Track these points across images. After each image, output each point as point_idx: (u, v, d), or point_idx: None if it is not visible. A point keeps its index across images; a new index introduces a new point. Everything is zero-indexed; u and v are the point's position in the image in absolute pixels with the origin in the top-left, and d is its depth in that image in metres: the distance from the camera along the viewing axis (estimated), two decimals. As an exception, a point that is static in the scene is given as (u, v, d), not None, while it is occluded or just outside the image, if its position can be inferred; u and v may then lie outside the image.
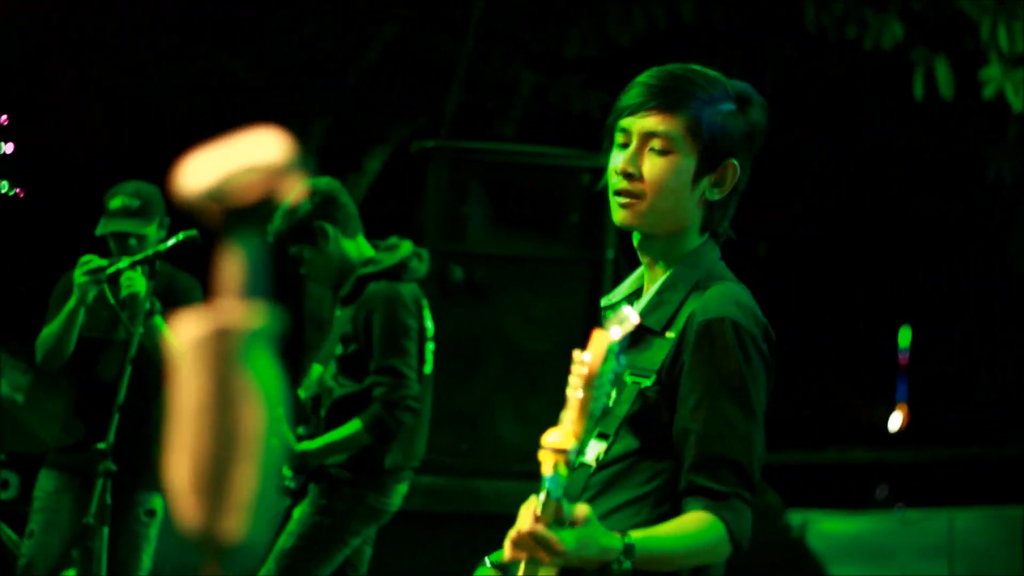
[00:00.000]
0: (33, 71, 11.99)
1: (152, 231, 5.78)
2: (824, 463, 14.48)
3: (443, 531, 6.56)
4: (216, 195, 1.24)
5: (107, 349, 5.82)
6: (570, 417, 2.48)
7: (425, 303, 5.60)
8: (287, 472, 5.52)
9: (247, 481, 1.21)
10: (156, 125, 11.56)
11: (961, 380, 18.76)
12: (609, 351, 2.43)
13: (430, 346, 5.59)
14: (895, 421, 19.48)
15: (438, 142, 7.28)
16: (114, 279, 5.62)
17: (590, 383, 2.45)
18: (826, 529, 9.97)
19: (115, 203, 5.77)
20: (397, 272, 5.49)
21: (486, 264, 6.99)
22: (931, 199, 15.73)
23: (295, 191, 1.26)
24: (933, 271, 17.95)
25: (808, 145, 14.69)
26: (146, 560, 5.82)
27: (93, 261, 5.63)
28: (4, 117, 14.43)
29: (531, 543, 2.51)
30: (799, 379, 18.91)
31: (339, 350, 5.49)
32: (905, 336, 19.73)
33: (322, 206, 5.49)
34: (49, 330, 5.75)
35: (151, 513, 5.79)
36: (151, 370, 5.56)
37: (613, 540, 2.57)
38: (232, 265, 1.25)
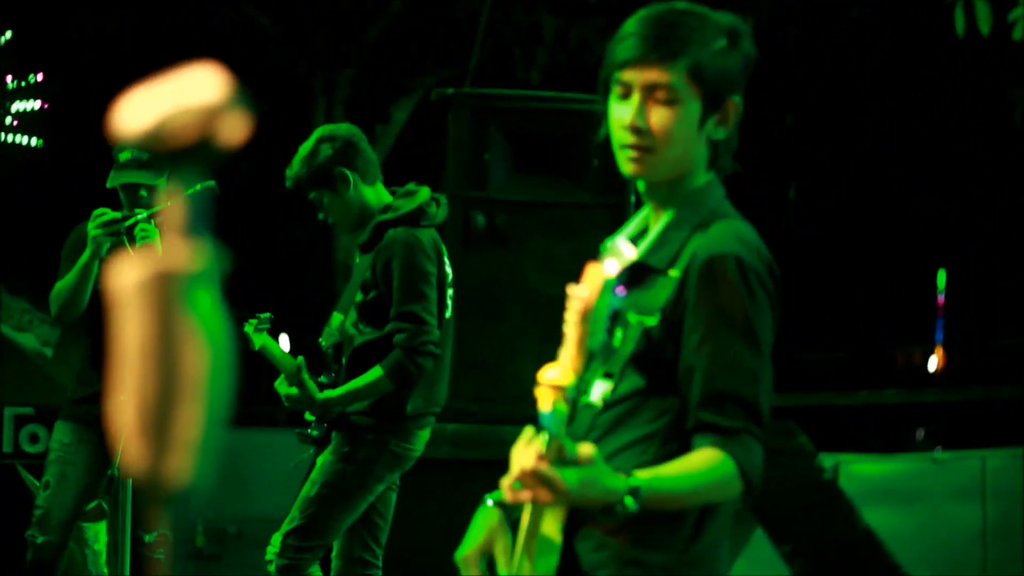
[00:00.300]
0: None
1: (163, 182, 5.78)
2: (858, 405, 14.44)
3: (469, 478, 6.57)
4: (154, 135, 1.23)
5: None
6: (567, 353, 2.47)
7: (444, 248, 5.60)
8: (310, 419, 5.55)
9: (191, 423, 1.21)
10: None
11: (995, 322, 18.66)
12: (605, 285, 2.42)
13: (450, 291, 5.59)
14: (933, 363, 19.40)
15: (458, 89, 7.25)
16: (129, 231, 5.63)
17: (585, 318, 2.44)
18: (858, 471, 9.95)
19: (125, 155, 5.78)
20: (415, 218, 5.49)
21: (508, 210, 6.97)
22: (969, 144, 15.61)
23: (235, 130, 1.25)
24: (969, 214, 17.84)
25: (843, 93, 14.58)
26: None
27: (107, 214, 5.64)
28: (40, 75, 14.47)
29: (533, 481, 2.51)
30: (835, 321, 18.85)
31: (359, 297, 5.50)
32: (942, 279, 19.63)
33: (342, 152, 5.50)
34: (63, 283, 5.77)
35: None
36: None
37: (618, 482, 2.55)
38: (174, 206, 1.25)
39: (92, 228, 5.61)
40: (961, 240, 18.29)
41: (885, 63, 14.10)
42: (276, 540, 5.45)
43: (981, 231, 17.85)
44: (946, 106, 14.67)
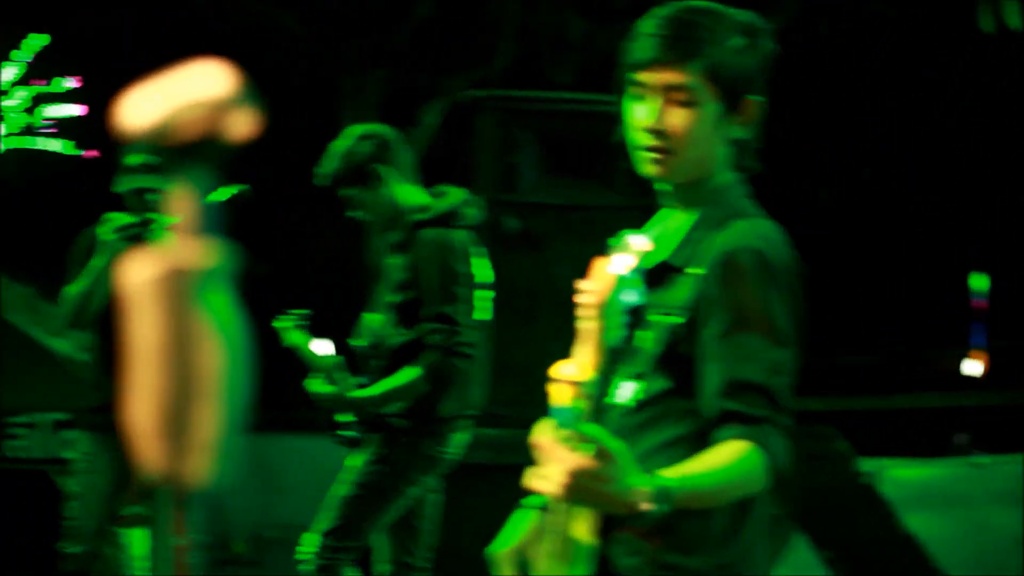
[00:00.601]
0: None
1: (163, 185, 5.73)
2: (897, 409, 14.35)
3: (510, 483, 6.55)
4: (161, 131, 1.21)
5: None
6: (584, 350, 2.44)
7: (477, 250, 5.60)
8: (344, 420, 5.54)
9: (208, 422, 1.18)
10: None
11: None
12: (620, 280, 2.39)
13: (482, 293, 5.58)
14: (971, 367, 19.28)
15: (487, 92, 7.26)
16: (146, 236, 5.63)
17: (599, 312, 2.41)
18: (897, 476, 9.87)
19: (134, 159, 5.77)
20: (448, 219, 5.50)
21: (538, 213, 6.96)
22: (1004, 145, 15.50)
23: (243, 126, 1.22)
24: (1008, 215, 17.73)
25: (874, 91, 14.50)
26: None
27: (121, 218, 5.64)
28: (76, 79, 14.50)
29: (557, 471, 2.46)
30: (873, 325, 18.75)
31: (393, 298, 5.50)
32: (981, 281, 19.51)
33: (379, 150, 5.52)
34: (76, 288, 5.75)
35: None
36: None
37: (645, 481, 2.49)
38: (182, 203, 1.23)
39: (107, 233, 5.61)
40: (1001, 241, 18.17)
41: (916, 61, 14.02)
42: (308, 541, 5.45)
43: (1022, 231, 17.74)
44: (988, 105, 14.57)
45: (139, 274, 1.22)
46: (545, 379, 7.92)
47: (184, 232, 1.22)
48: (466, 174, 7.15)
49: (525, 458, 7.73)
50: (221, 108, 1.22)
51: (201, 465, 1.19)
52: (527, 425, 7.94)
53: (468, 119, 7.24)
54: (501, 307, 6.42)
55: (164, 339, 1.18)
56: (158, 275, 1.20)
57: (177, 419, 1.17)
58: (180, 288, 1.19)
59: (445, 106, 11.81)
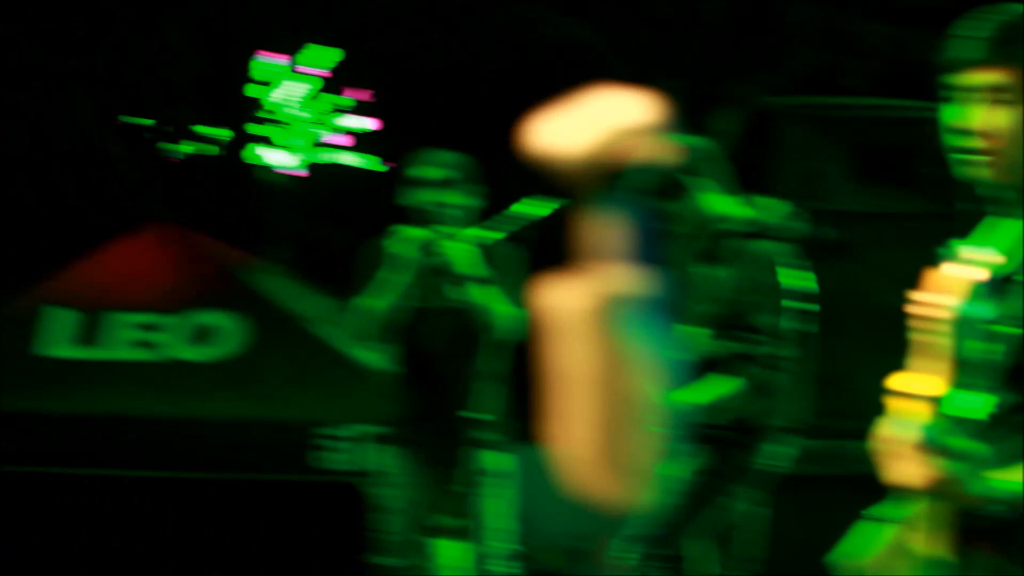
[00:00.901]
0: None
1: (455, 199, 5.82)
2: None
3: (828, 494, 6.49)
4: (593, 158, 1.22)
5: (434, 318, 5.87)
6: (924, 362, 2.41)
7: (788, 261, 5.55)
8: (664, 432, 5.54)
9: (641, 448, 1.19)
10: (494, 90, 11.73)
11: None
12: (973, 292, 2.35)
13: (801, 305, 5.53)
14: None
15: (792, 99, 7.23)
16: (438, 250, 5.73)
17: (944, 325, 2.37)
18: None
19: (417, 173, 5.86)
20: (761, 230, 5.47)
21: (846, 221, 6.89)
22: None
23: (662, 151, 1.23)
24: None
25: None
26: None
27: (413, 231, 5.75)
28: (369, 93, 14.81)
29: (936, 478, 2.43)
30: None
31: (704, 309, 5.49)
32: None
33: (693, 161, 5.51)
34: (368, 301, 5.84)
35: (491, 472, 5.94)
36: (478, 336, 5.71)
37: (991, 482, 2.50)
38: (607, 230, 1.23)
39: (398, 246, 5.73)
40: None
41: None
42: (622, 549, 5.46)
43: None
44: None
45: (566, 300, 1.24)
46: (853, 389, 7.77)
47: (610, 258, 1.23)
48: (761, 181, 7.10)
49: (841, 469, 7.59)
50: (645, 135, 1.22)
51: (635, 489, 1.20)
52: (840, 436, 7.82)
53: (764, 126, 7.18)
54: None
55: (598, 366, 1.19)
56: (587, 302, 1.22)
57: (613, 445, 1.18)
58: (611, 315, 1.20)
59: (740, 114, 11.76)
